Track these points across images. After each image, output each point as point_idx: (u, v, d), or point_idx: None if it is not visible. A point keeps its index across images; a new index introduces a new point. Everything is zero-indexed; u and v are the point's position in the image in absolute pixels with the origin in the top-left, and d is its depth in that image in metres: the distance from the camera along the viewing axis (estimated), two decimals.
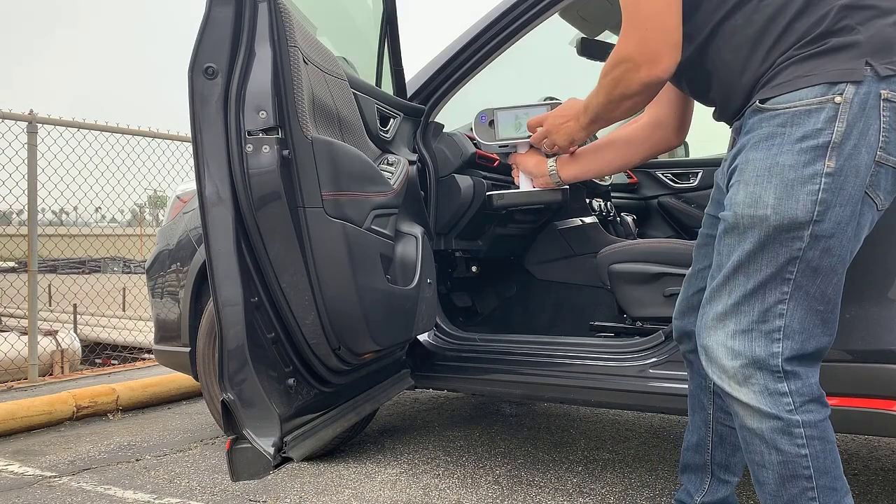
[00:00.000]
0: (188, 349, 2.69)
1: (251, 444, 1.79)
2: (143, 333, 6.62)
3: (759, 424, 1.30)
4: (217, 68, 1.71)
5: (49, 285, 9.18)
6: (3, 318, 7.82)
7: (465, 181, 2.61)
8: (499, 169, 2.89)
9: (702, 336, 1.39)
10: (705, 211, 1.67)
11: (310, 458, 2.50)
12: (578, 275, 3.17)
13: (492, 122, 1.68)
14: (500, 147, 1.90)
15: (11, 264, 10.60)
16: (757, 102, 1.32)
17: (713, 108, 1.54)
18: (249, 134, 1.73)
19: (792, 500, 1.29)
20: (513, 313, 3.33)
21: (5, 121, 4.28)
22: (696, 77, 1.48)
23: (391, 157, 2.32)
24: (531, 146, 1.86)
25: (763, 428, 1.29)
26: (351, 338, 1.98)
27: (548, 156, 1.82)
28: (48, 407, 3.20)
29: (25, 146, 4.25)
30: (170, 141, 5.51)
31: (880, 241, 1.53)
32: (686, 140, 1.86)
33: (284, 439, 1.85)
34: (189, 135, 1.78)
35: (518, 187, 1.88)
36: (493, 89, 3.00)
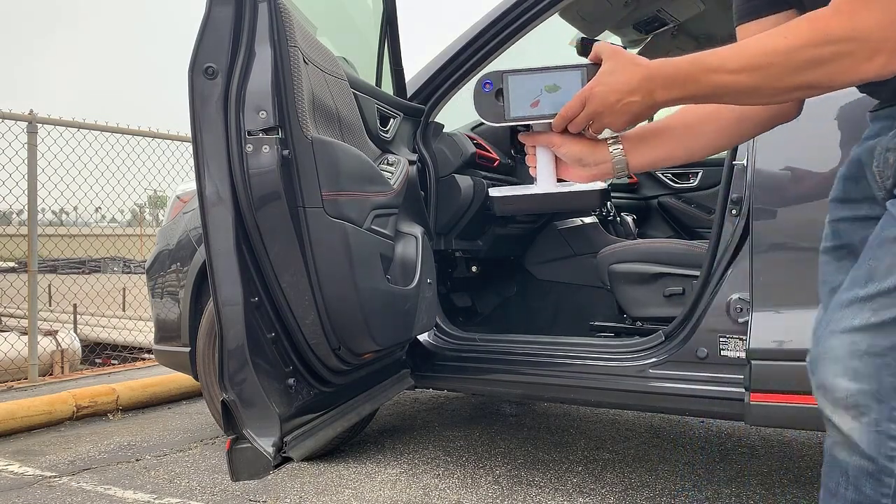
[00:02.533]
0: (188, 349, 2.69)
1: (251, 444, 1.78)
2: (143, 333, 6.61)
3: (848, 459, 1.06)
4: (217, 68, 1.71)
5: (49, 285, 9.18)
6: (3, 318, 7.81)
7: (465, 181, 2.62)
8: (499, 169, 2.89)
9: (821, 344, 1.10)
10: (835, 214, 1.21)
11: (310, 458, 2.50)
12: (578, 275, 3.18)
13: (499, 93, 1.09)
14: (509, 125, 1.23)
15: (11, 264, 10.59)
16: None
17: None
18: (249, 134, 1.73)
19: None
20: (513, 313, 3.33)
21: (5, 121, 4.28)
22: None
23: (391, 157, 2.32)
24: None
25: (850, 464, 1.06)
26: (351, 338, 1.98)
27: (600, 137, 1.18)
28: (48, 407, 3.19)
29: (25, 146, 4.25)
30: (170, 141, 5.51)
31: None
32: None
33: (284, 439, 1.85)
34: (189, 135, 1.78)
35: (534, 182, 1.17)
36: None
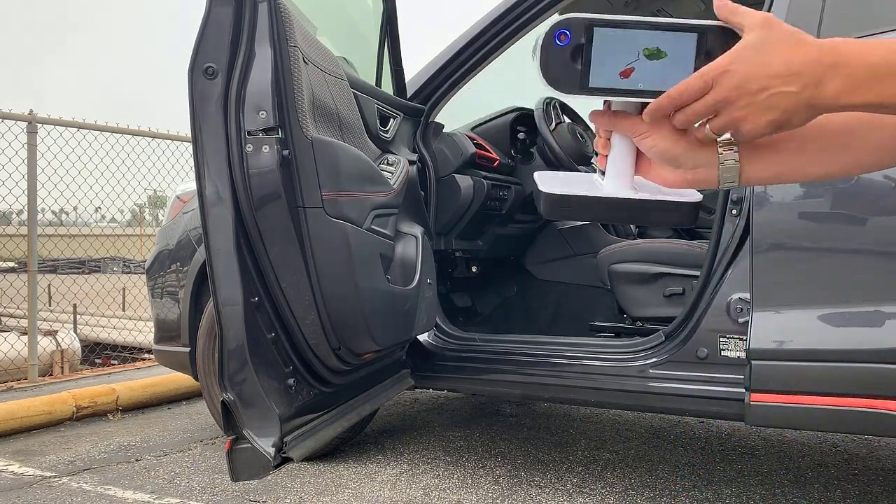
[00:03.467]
0: (188, 349, 2.69)
1: (251, 444, 1.78)
2: (143, 333, 6.61)
3: None
4: (217, 68, 1.71)
5: (49, 285, 9.18)
6: (3, 318, 7.81)
7: (465, 181, 2.62)
8: (499, 169, 2.89)
9: None
10: None
11: (310, 458, 2.49)
12: (578, 275, 3.17)
13: (578, 51, 0.73)
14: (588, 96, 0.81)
15: (11, 264, 10.59)
16: None
17: None
18: (249, 134, 1.73)
19: None
20: (513, 313, 3.33)
21: (5, 121, 4.27)
22: None
23: (391, 157, 2.32)
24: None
25: None
26: (351, 338, 1.98)
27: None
28: (48, 407, 3.19)
29: (25, 146, 4.25)
30: (170, 141, 5.51)
31: None
32: None
33: (284, 439, 1.85)
34: (189, 135, 1.78)
35: (600, 178, 0.81)
36: (493, 89, 3.00)
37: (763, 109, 0.68)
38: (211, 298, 1.96)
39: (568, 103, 3.13)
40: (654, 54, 0.71)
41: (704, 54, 0.70)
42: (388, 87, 2.60)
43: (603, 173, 0.79)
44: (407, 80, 2.64)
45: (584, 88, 0.73)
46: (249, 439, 1.78)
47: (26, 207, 4.34)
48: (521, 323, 3.24)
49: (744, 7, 0.68)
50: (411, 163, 2.44)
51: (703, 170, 0.75)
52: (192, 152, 1.77)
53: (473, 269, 3.05)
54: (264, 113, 1.73)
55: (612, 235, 3.22)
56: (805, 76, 0.66)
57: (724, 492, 2.28)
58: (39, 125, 4.28)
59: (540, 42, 0.73)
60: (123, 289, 9.84)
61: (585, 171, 0.80)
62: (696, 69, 0.69)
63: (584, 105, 3.49)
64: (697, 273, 2.12)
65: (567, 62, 0.73)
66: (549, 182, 0.80)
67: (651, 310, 2.55)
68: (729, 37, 0.70)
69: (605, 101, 0.76)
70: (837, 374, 1.77)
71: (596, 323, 2.85)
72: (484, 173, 2.75)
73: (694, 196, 0.79)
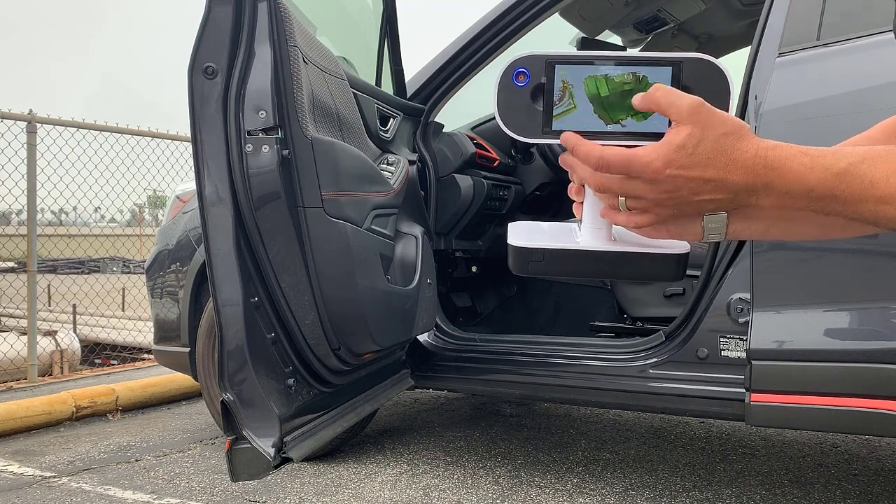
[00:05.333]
0: (188, 349, 2.69)
1: (251, 444, 1.78)
2: (142, 333, 6.61)
3: None
4: (217, 68, 1.71)
5: (48, 285, 9.18)
6: (2, 318, 7.81)
7: (465, 181, 2.61)
8: (499, 169, 2.89)
9: None
10: None
11: (309, 458, 2.49)
12: None
13: (539, 91, 0.66)
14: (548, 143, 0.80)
15: (11, 264, 10.59)
16: None
17: None
18: (249, 134, 1.73)
19: None
20: (513, 313, 3.33)
21: (4, 120, 4.27)
22: None
23: (391, 157, 2.32)
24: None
25: None
26: (351, 338, 1.98)
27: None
28: (48, 407, 3.19)
29: (25, 146, 4.25)
30: (169, 141, 5.51)
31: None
32: None
33: (284, 439, 1.85)
34: (189, 135, 1.78)
35: (578, 230, 0.75)
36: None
37: (691, 209, 0.65)
38: (210, 298, 1.96)
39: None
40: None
41: (681, 88, 0.64)
42: (388, 87, 2.59)
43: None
44: (407, 80, 2.64)
45: (547, 133, 0.66)
46: (249, 439, 1.78)
47: (26, 207, 4.34)
48: (521, 323, 3.24)
49: (673, 94, 0.62)
50: (411, 163, 2.44)
51: (685, 224, 0.68)
52: (191, 152, 1.76)
53: (473, 269, 3.05)
54: (264, 113, 1.73)
55: None
56: (738, 186, 0.63)
57: (724, 492, 2.27)
58: (39, 125, 4.28)
59: (497, 83, 0.66)
60: (123, 289, 9.84)
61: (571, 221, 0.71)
62: None
63: None
64: (697, 273, 2.11)
65: (527, 104, 0.66)
66: (521, 233, 0.73)
67: (651, 310, 2.55)
68: (705, 67, 0.65)
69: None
70: (837, 374, 1.77)
71: (596, 323, 2.85)
72: (484, 173, 2.75)
73: (682, 247, 0.72)
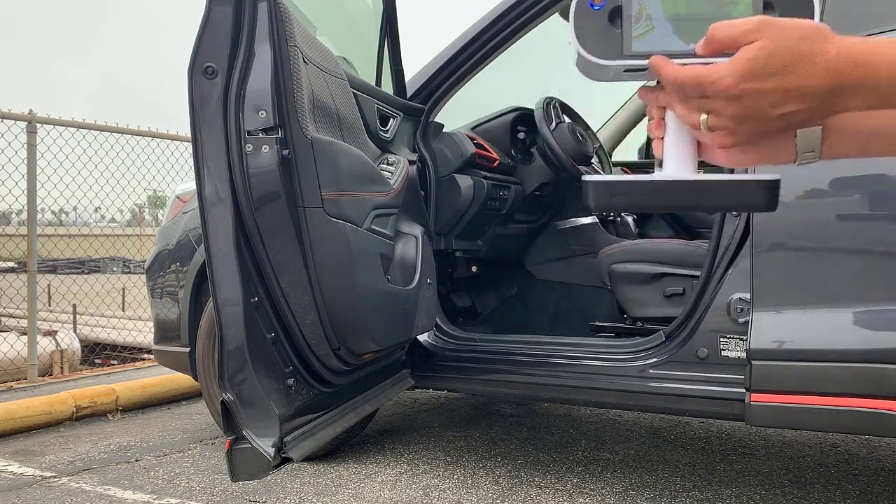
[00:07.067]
0: (188, 349, 2.69)
1: (251, 444, 1.78)
2: (142, 333, 6.61)
3: None
4: (217, 68, 1.71)
5: (48, 285, 9.18)
6: (2, 318, 7.81)
7: (465, 181, 2.61)
8: (499, 169, 2.89)
9: None
10: None
11: (309, 458, 2.49)
12: (578, 275, 3.17)
13: (617, 13, 0.65)
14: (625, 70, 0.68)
15: (11, 264, 10.59)
16: None
17: None
18: (249, 134, 1.73)
19: None
20: (513, 313, 3.33)
21: (4, 120, 4.27)
22: None
23: (391, 157, 2.32)
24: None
25: None
26: (351, 338, 1.98)
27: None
28: (48, 407, 3.19)
29: (25, 146, 4.25)
30: (169, 141, 5.51)
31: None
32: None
33: (284, 439, 1.85)
34: (189, 135, 1.78)
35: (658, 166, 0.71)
36: (493, 89, 3.00)
37: (778, 124, 0.62)
38: (210, 298, 1.96)
39: (569, 104, 3.12)
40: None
41: (764, 3, 0.63)
42: (388, 86, 2.59)
43: (661, 164, 0.69)
44: (407, 80, 2.64)
45: (625, 54, 0.64)
46: (249, 439, 1.78)
47: (26, 207, 4.34)
48: (521, 323, 3.24)
49: (729, 24, 0.60)
50: (411, 163, 2.44)
51: (779, 146, 0.64)
52: (191, 152, 1.77)
53: (473, 269, 3.05)
54: (264, 113, 1.73)
55: (612, 235, 3.22)
56: (823, 91, 0.59)
57: (725, 492, 2.27)
58: (39, 125, 4.28)
59: (573, 6, 0.65)
60: (123, 289, 9.84)
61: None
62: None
63: (585, 105, 3.49)
64: (698, 273, 2.11)
65: (604, 26, 0.65)
66: (598, 178, 0.70)
67: (651, 310, 2.55)
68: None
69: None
70: (837, 374, 1.77)
71: (596, 323, 2.85)
72: (484, 173, 2.75)
73: (772, 174, 0.68)
